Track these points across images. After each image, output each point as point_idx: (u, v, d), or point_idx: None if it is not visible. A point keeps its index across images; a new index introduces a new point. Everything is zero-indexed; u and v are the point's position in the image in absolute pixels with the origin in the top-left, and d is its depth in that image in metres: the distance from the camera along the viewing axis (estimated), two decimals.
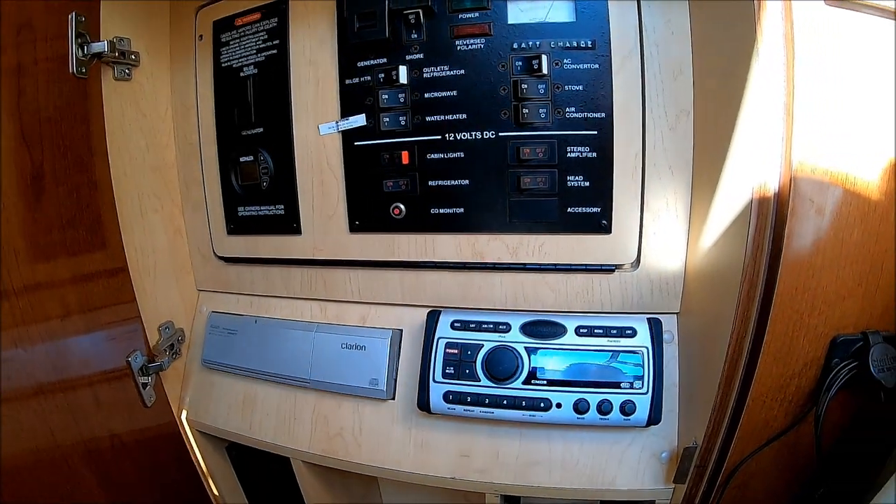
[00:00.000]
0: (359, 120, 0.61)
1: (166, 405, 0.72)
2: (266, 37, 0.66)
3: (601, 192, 0.57)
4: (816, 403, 0.47)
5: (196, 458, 0.76)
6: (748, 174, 0.45)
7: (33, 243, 0.56)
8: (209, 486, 0.78)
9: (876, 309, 0.46)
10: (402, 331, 0.64)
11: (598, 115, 0.56)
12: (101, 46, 0.62)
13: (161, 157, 0.73)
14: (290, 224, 0.67)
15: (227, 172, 0.70)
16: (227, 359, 0.70)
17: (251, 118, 0.67)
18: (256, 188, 0.68)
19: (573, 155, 0.57)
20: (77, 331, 0.60)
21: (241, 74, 0.68)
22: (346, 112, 0.62)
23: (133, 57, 0.68)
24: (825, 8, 0.42)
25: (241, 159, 0.68)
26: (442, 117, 0.59)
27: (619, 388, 0.55)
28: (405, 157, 0.60)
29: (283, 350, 0.66)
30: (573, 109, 0.56)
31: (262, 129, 0.67)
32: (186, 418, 0.74)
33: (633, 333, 0.56)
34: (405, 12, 0.57)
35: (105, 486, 0.63)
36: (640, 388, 0.55)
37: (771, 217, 0.45)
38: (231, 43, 0.69)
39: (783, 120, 0.44)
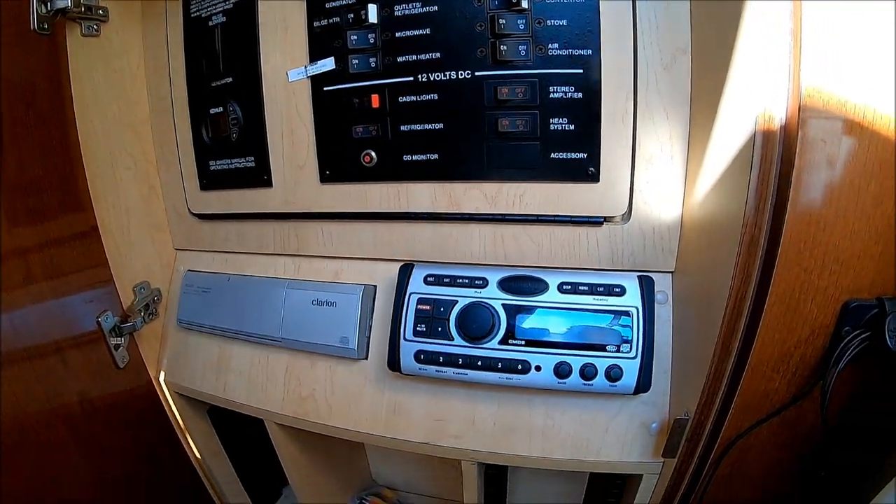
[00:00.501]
0: (327, 64, 0.58)
1: (141, 367, 0.71)
2: None
3: (588, 136, 0.52)
4: (824, 376, 0.42)
5: (176, 420, 0.76)
6: (750, 106, 0.40)
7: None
8: (190, 449, 0.78)
9: (890, 272, 0.41)
10: (375, 287, 0.61)
11: (583, 51, 0.51)
12: (64, 2, 0.59)
13: (134, 114, 0.71)
14: (260, 176, 0.64)
15: (198, 126, 0.67)
16: (202, 318, 0.68)
17: (220, 68, 0.64)
18: (227, 140, 0.65)
19: (556, 95, 0.52)
20: (43, 296, 0.59)
21: (210, 24, 0.65)
22: (315, 56, 0.59)
23: (101, 12, 0.65)
24: None
25: (211, 111, 0.66)
26: (414, 57, 0.55)
27: (605, 351, 0.51)
28: (375, 100, 0.56)
29: (255, 308, 0.64)
30: (556, 46, 0.51)
31: (230, 79, 0.64)
32: (164, 380, 0.73)
33: (622, 292, 0.52)
34: None
35: (79, 449, 0.63)
36: (627, 353, 0.51)
37: (776, 159, 0.39)
38: None
39: (790, 39, 0.38)
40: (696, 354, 0.49)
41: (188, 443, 0.78)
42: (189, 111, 0.68)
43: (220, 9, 0.64)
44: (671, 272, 0.54)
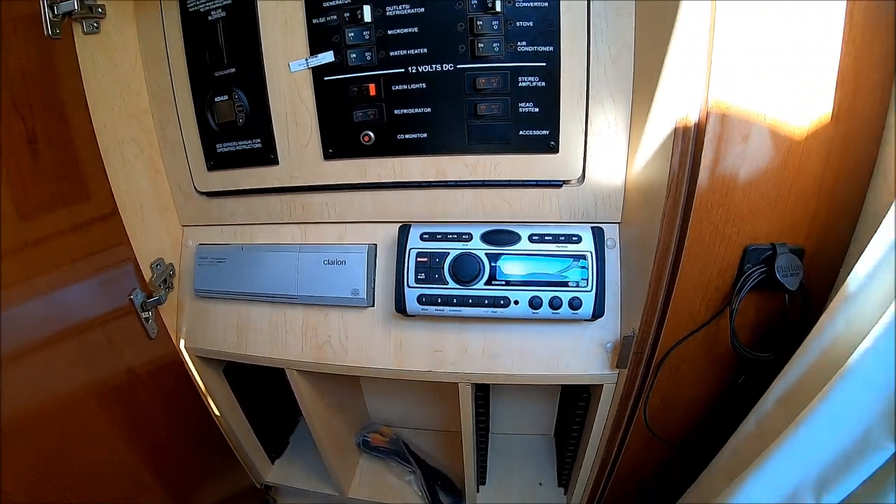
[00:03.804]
0: (327, 57, 0.72)
1: (167, 336, 0.85)
2: None
3: (549, 116, 0.70)
4: (731, 300, 0.59)
5: (197, 382, 0.90)
6: (675, 106, 0.55)
7: (34, 201, 0.64)
8: (210, 407, 0.93)
9: (785, 225, 0.57)
10: (376, 245, 0.78)
11: (546, 48, 0.67)
12: (70, 5, 0.67)
13: (135, 104, 0.81)
14: (267, 156, 0.78)
15: (202, 112, 0.79)
16: (219, 285, 0.82)
17: (223, 59, 0.76)
18: (233, 125, 0.78)
19: (524, 84, 0.69)
20: (78, 277, 0.70)
21: (210, 18, 0.76)
22: (314, 49, 0.72)
23: (100, 10, 0.74)
24: None
25: (216, 99, 0.78)
26: (405, 52, 0.70)
27: (568, 286, 0.70)
28: (372, 89, 0.71)
29: (271, 271, 0.79)
30: (524, 43, 0.68)
31: (234, 70, 0.76)
32: (185, 346, 0.87)
33: (579, 240, 0.70)
34: None
35: (126, 418, 0.76)
36: (585, 287, 0.70)
37: (691, 143, 0.55)
38: None
39: (704, 61, 0.52)
40: (637, 286, 0.67)
41: (209, 401, 0.92)
42: (192, 99, 0.80)
43: (219, 4, 0.75)
44: (618, 223, 0.73)
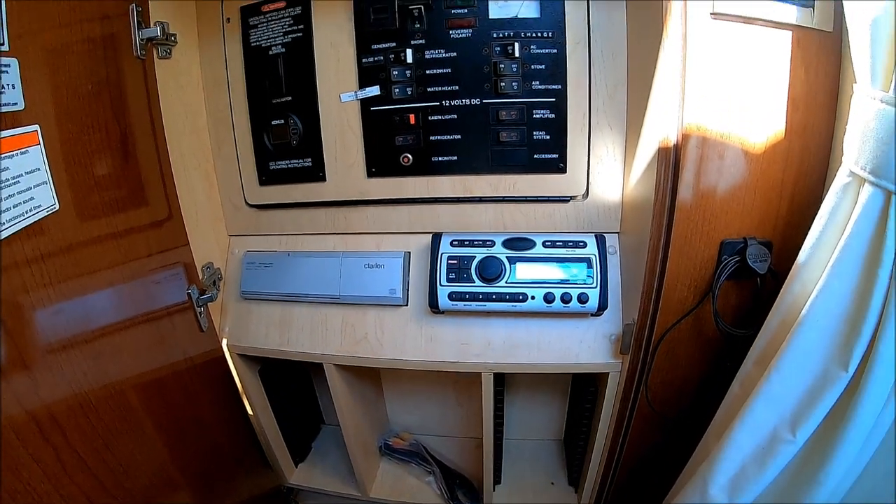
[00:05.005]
0: (374, 90, 0.88)
1: (214, 332, 0.96)
2: (291, 22, 0.90)
3: (558, 143, 0.86)
4: (712, 287, 0.74)
5: (235, 379, 1.00)
6: (658, 130, 0.69)
7: (123, 197, 0.77)
8: (246, 404, 1.02)
9: (753, 222, 0.71)
10: (409, 252, 0.91)
11: (556, 86, 0.84)
12: (153, 32, 0.83)
13: (195, 123, 0.96)
14: (316, 173, 0.92)
15: (259, 133, 0.94)
16: (265, 288, 0.94)
17: (281, 89, 0.91)
18: (287, 146, 0.92)
19: (537, 116, 0.85)
20: (153, 269, 0.82)
21: (270, 53, 0.92)
22: (363, 84, 0.88)
23: (173, 38, 0.90)
24: (710, 20, 0.66)
25: (273, 122, 0.92)
26: (440, 88, 0.86)
27: (576, 284, 0.84)
28: (412, 118, 0.87)
29: (316, 275, 0.91)
30: (538, 82, 0.85)
31: (290, 98, 0.91)
32: (227, 345, 0.97)
33: (585, 245, 0.85)
34: (410, 7, 0.84)
35: (187, 397, 0.86)
36: (591, 284, 0.84)
37: (671, 160, 0.68)
38: (259, 26, 0.92)
39: (679, 95, 0.67)
40: (634, 283, 0.81)
41: (244, 399, 1.02)
42: (250, 121, 0.94)
43: (279, 41, 0.91)
44: (618, 232, 0.88)
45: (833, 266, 0.56)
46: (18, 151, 0.61)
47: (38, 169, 0.63)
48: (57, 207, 0.65)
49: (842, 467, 0.57)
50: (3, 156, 0.58)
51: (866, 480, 0.62)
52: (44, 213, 0.63)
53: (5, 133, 0.59)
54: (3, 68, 0.59)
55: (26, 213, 0.60)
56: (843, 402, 0.56)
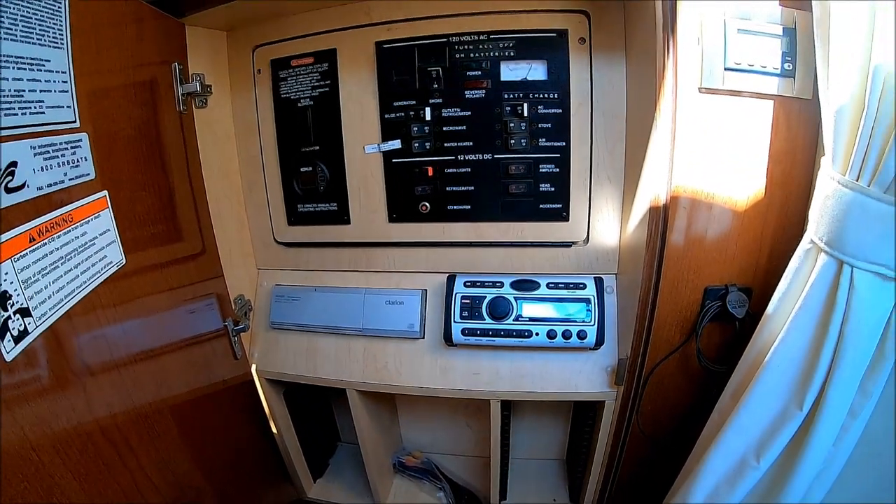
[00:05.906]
0: (395, 143, 0.98)
1: (245, 359, 1.06)
2: (319, 77, 1.01)
3: (562, 194, 0.97)
4: (696, 328, 0.85)
5: (263, 402, 1.10)
6: (650, 189, 0.79)
7: (170, 233, 0.88)
8: (271, 423, 1.13)
9: (734, 271, 0.82)
10: (426, 290, 1.02)
11: (560, 143, 0.95)
12: (192, 86, 0.94)
13: (227, 167, 1.06)
14: (341, 217, 1.02)
15: (289, 178, 1.04)
16: (293, 319, 1.05)
17: (310, 138, 1.02)
18: (314, 191, 1.03)
19: (543, 170, 0.96)
20: (194, 297, 0.93)
21: (300, 105, 1.02)
22: (385, 137, 0.98)
23: (209, 89, 1.00)
24: (698, 94, 0.76)
25: (302, 169, 1.03)
26: (455, 144, 0.97)
27: (576, 322, 0.95)
28: (430, 170, 0.97)
29: (341, 309, 1.02)
30: (544, 139, 0.95)
31: (318, 147, 1.02)
32: (256, 370, 1.08)
33: (584, 287, 0.96)
34: (429, 69, 0.95)
35: (220, 416, 0.96)
36: (589, 322, 0.95)
37: (661, 217, 0.79)
38: (288, 79, 1.03)
39: (668, 163, 0.77)
40: (628, 321, 0.91)
41: (271, 420, 1.12)
42: (279, 166, 1.05)
43: (308, 94, 1.01)
44: (615, 274, 0.99)
45: (792, 320, 0.67)
46: (93, 216, 0.71)
47: (108, 230, 0.73)
48: (124, 262, 0.75)
49: (799, 492, 0.69)
50: (81, 222, 0.69)
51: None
52: (114, 269, 0.73)
53: (83, 201, 0.69)
54: (77, 143, 0.69)
55: (101, 270, 0.70)
56: (800, 437, 0.67)
